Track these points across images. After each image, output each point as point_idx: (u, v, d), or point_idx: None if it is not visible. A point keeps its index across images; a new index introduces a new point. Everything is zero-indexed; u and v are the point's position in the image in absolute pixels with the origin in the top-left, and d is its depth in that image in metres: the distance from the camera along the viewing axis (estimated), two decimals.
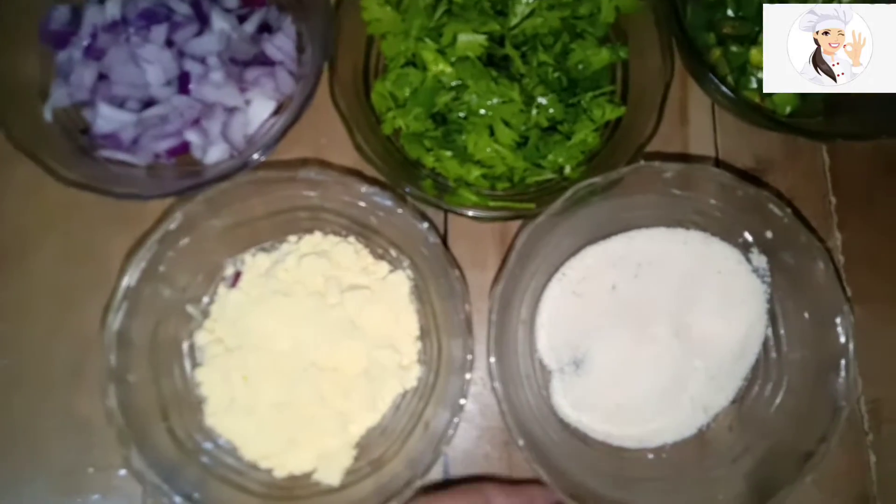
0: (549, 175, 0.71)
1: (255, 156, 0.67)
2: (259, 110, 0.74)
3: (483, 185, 0.71)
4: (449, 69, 0.69)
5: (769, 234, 0.69)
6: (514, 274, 0.65)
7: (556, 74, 0.72)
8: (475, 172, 0.69)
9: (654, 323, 0.71)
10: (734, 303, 0.71)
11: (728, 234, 0.72)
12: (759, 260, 0.71)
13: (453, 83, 0.70)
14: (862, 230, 0.80)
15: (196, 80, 0.71)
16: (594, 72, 0.74)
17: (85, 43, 0.72)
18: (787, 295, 0.70)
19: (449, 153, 0.70)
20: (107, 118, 0.72)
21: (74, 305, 0.73)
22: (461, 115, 0.71)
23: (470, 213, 0.67)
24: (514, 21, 0.72)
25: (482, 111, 0.69)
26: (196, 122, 0.73)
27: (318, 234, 0.73)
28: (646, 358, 0.70)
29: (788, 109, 0.78)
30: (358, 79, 0.74)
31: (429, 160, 0.71)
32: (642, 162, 0.67)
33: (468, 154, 0.70)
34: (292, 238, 0.73)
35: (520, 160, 0.69)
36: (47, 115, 0.71)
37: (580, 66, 0.73)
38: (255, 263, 0.72)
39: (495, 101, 0.69)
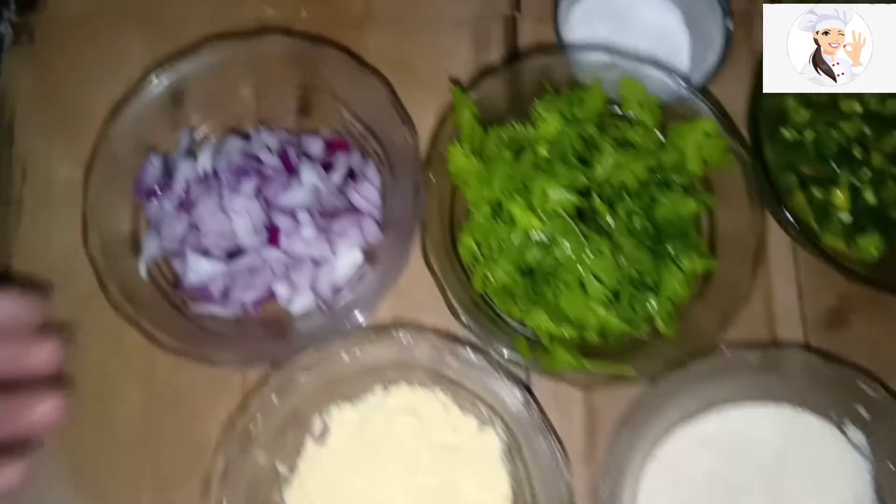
0: (643, 334, 0.70)
1: (353, 317, 0.67)
2: (345, 260, 0.74)
3: (574, 336, 0.71)
4: (539, 224, 0.69)
5: (863, 411, 0.67)
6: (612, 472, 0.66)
7: (643, 225, 0.72)
8: (568, 330, 0.69)
9: None
10: (833, 483, 0.68)
11: (820, 409, 0.70)
12: (857, 435, 0.69)
13: (543, 238, 0.70)
14: None
15: (286, 235, 0.72)
16: (680, 220, 0.74)
17: (179, 196, 0.73)
18: (894, 473, 0.67)
19: (540, 308, 0.70)
20: (196, 270, 0.72)
21: (161, 456, 0.72)
22: (549, 269, 0.71)
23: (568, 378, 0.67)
24: (600, 173, 0.72)
25: (572, 266, 0.69)
26: (285, 275, 0.73)
27: (404, 386, 0.72)
28: None
29: (875, 253, 0.76)
30: (445, 232, 0.74)
31: (517, 313, 0.71)
32: (726, 352, 0.67)
33: (560, 310, 0.69)
34: (377, 388, 0.73)
35: (613, 317, 0.69)
36: (142, 272, 0.72)
37: (666, 216, 0.73)
38: (342, 417, 0.71)
39: (586, 256, 0.69)
